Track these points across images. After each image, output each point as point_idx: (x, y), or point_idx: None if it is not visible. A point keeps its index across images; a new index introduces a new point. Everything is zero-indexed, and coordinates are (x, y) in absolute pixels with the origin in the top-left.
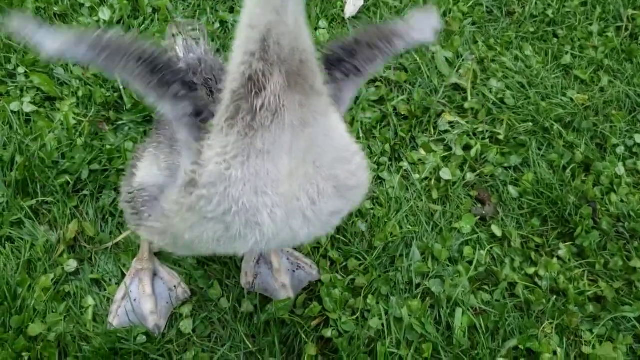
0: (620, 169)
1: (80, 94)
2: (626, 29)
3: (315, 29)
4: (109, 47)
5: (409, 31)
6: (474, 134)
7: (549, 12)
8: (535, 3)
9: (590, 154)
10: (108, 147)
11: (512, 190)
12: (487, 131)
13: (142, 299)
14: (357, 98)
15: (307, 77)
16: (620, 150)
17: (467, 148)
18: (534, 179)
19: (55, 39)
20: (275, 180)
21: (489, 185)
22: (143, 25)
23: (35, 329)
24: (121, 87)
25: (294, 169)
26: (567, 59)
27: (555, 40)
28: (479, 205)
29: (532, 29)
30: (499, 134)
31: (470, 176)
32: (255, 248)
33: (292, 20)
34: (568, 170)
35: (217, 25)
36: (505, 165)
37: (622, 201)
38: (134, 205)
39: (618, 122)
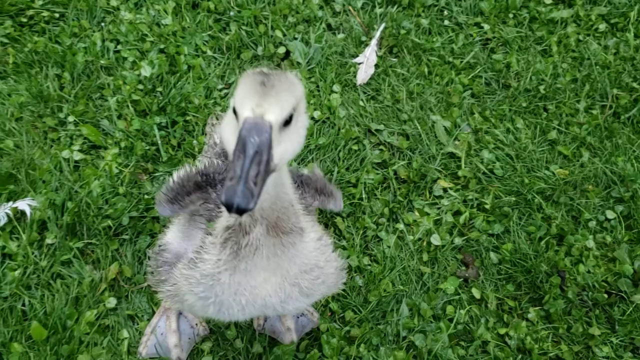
0: (590, 242)
1: (122, 145)
2: (610, 107)
3: (330, 92)
4: (174, 195)
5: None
6: (465, 201)
7: (542, 87)
8: (530, 78)
9: (565, 226)
10: (145, 196)
11: (493, 256)
12: (476, 199)
13: (168, 333)
14: (362, 160)
15: (281, 226)
16: (592, 224)
17: (457, 213)
18: (512, 248)
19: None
20: (253, 286)
21: (474, 250)
22: (179, 83)
23: (83, 359)
24: (159, 141)
25: (267, 278)
26: (553, 134)
27: (544, 114)
28: (464, 268)
29: (524, 103)
30: (486, 203)
31: (458, 240)
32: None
33: (273, 189)
34: (543, 242)
35: None
36: (490, 232)
37: (588, 272)
38: (154, 263)
39: (592, 198)
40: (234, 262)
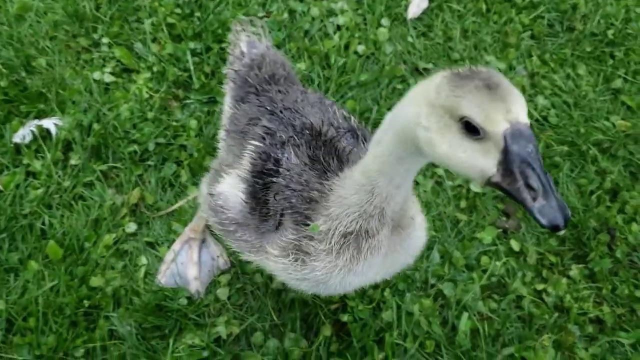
0: None
1: (155, 69)
2: None
3: (377, 26)
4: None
5: None
6: None
7: (610, 31)
8: (599, 21)
9: (621, 181)
10: (174, 123)
11: None
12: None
13: (188, 264)
14: None
15: (403, 223)
16: None
17: None
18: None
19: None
20: (362, 280)
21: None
22: (218, 8)
23: (96, 281)
24: (191, 67)
25: (379, 271)
26: (618, 82)
27: (610, 61)
28: (504, 218)
29: (589, 48)
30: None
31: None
32: None
33: (405, 191)
34: (594, 196)
35: (285, 15)
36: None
37: None
38: (215, 213)
39: None
40: (350, 265)
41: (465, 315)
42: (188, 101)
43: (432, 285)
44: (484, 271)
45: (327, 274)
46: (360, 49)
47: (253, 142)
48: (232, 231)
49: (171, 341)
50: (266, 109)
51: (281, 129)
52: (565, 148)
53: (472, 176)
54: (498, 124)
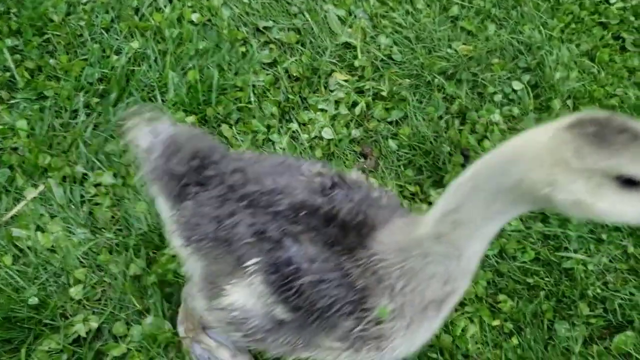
0: (496, 116)
1: None
2: None
3: None
4: None
5: None
6: (361, 92)
7: None
8: None
9: (470, 103)
10: (1, 126)
11: (392, 143)
12: (372, 88)
13: (216, 351)
14: (250, 60)
15: None
16: (498, 97)
17: (355, 105)
18: (410, 132)
19: None
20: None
21: (372, 141)
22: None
23: None
24: (12, 65)
25: None
26: (455, 10)
27: None
28: (362, 160)
29: None
30: (383, 90)
31: (356, 132)
32: None
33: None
34: (442, 121)
35: None
36: (388, 119)
37: (494, 147)
38: (230, 321)
39: (498, 71)
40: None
41: None
42: (14, 101)
43: None
44: None
45: (410, 346)
46: (195, 17)
47: (251, 261)
48: (263, 338)
49: (23, 351)
50: (234, 201)
51: (270, 222)
52: (409, 81)
53: (634, 222)
54: None
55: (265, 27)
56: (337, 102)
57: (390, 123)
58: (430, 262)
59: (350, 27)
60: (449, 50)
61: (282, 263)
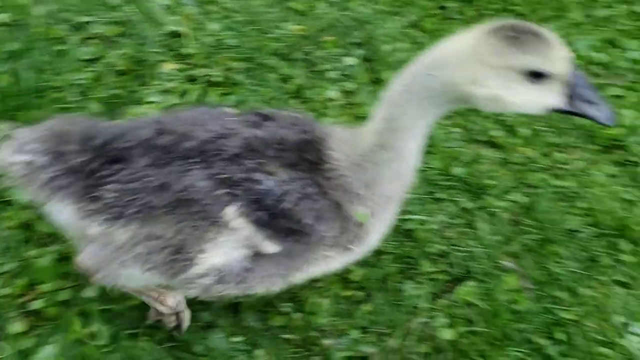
0: (332, 93)
1: None
2: None
3: None
4: None
5: None
6: (194, 80)
7: None
8: None
9: (306, 82)
10: None
11: None
12: (206, 75)
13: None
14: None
15: None
16: (333, 74)
17: (186, 94)
18: None
19: None
20: None
21: None
22: None
23: None
24: None
25: None
26: None
27: None
28: None
29: None
30: (217, 76)
31: None
32: None
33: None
34: (279, 102)
35: None
36: (225, 105)
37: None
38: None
39: (330, 48)
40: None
41: None
42: None
43: None
44: None
45: (382, 232)
46: (5, 17)
47: (231, 209)
48: (252, 285)
49: None
50: (177, 161)
51: (229, 167)
52: (246, 65)
53: (536, 112)
54: (561, 66)
55: (84, 22)
56: (165, 92)
57: None
58: (383, 168)
59: (177, 15)
60: (281, 32)
61: (263, 196)
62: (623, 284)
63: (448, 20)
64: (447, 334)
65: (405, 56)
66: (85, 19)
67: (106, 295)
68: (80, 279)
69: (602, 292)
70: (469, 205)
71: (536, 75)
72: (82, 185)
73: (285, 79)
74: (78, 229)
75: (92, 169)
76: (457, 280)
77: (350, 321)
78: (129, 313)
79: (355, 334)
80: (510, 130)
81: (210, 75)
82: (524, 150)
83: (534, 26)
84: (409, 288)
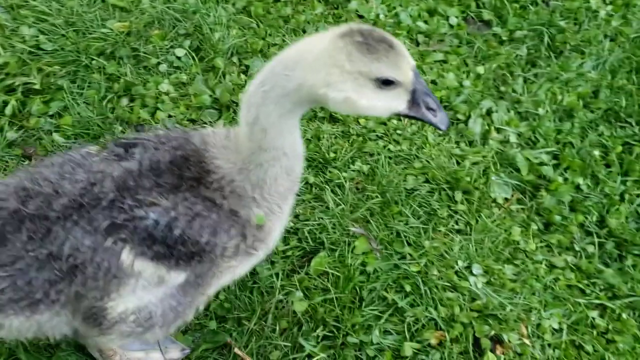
0: (165, 86)
1: None
2: None
3: None
4: None
5: None
6: (12, 90)
7: None
8: None
9: (136, 79)
10: None
11: (57, 137)
12: (23, 84)
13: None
14: None
15: None
16: (163, 67)
17: (6, 105)
18: (73, 121)
19: None
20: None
21: (36, 138)
22: None
23: None
24: None
25: None
26: None
27: None
28: (27, 162)
29: None
30: (35, 83)
31: (14, 135)
32: None
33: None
34: (106, 102)
35: None
36: (50, 113)
37: (170, 116)
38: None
39: (158, 42)
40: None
41: None
42: None
43: None
44: None
45: (283, 226)
46: None
47: (124, 253)
48: (178, 314)
49: None
50: (57, 220)
51: (113, 212)
52: (68, 68)
53: (383, 115)
54: (408, 74)
55: None
56: None
57: (52, 116)
58: (268, 168)
59: None
60: (103, 30)
61: (152, 229)
62: (460, 232)
63: (277, 3)
64: (302, 306)
65: (237, 42)
66: None
67: None
68: None
69: (443, 242)
70: (315, 180)
71: (386, 83)
72: None
73: (113, 78)
74: None
75: None
76: (311, 253)
77: (209, 314)
78: None
79: (213, 324)
80: None
81: (28, 84)
82: (362, 121)
83: (385, 34)
84: (264, 270)
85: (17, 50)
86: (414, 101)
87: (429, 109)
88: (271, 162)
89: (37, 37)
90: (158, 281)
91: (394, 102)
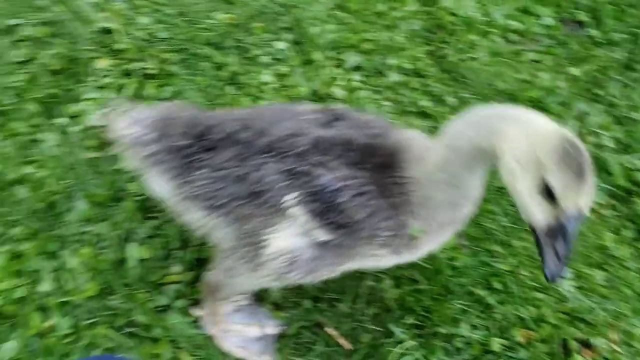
0: (266, 77)
1: None
2: None
3: None
4: None
5: None
6: (129, 74)
7: None
8: None
9: (240, 68)
10: None
11: None
12: (141, 68)
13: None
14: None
15: None
16: (265, 59)
17: (122, 88)
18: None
19: None
20: None
21: None
22: None
23: None
24: None
25: None
26: None
27: None
28: None
29: None
30: (152, 68)
31: None
32: None
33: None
34: (215, 89)
35: None
36: (163, 97)
37: None
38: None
39: (260, 34)
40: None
41: (130, 245)
42: None
43: (86, 232)
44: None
45: (433, 249)
46: None
47: (289, 196)
48: (312, 269)
49: None
50: (255, 155)
51: (296, 162)
52: (180, 56)
53: (525, 213)
54: (570, 205)
55: (12, 25)
56: (102, 88)
57: (164, 99)
58: (438, 192)
59: (106, 11)
60: (211, 21)
61: (319, 189)
62: None
63: None
64: (392, 294)
65: (333, 37)
66: (14, 21)
67: (62, 288)
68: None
69: (532, 242)
70: None
71: (549, 194)
72: (178, 164)
73: (219, 66)
74: (177, 210)
75: (189, 153)
76: None
77: (302, 292)
78: (87, 303)
79: (308, 304)
80: (439, 100)
81: (145, 69)
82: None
83: (589, 159)
84: None
85: (136, 37)
86: (551, 232)
87: (555, 250)
88: (442, 186)
89: (153, 25)
90: (306, 233)
91: (540, 213)
